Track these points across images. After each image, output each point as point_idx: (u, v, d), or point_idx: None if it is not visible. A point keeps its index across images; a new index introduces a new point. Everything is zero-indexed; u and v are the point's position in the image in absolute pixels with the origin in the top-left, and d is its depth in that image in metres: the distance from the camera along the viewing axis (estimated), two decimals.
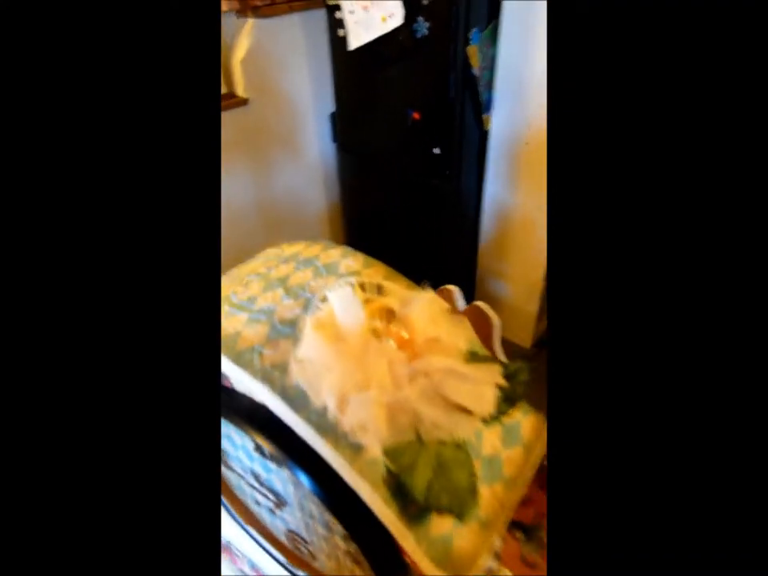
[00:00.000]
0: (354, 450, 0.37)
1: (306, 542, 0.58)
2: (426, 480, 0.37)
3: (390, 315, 0.42)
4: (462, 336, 0.42)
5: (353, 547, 0.45)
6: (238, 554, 0.86)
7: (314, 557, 0.60)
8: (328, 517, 0.44)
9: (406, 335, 0.40)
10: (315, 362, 0.38)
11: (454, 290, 1.29)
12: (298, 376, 0.38)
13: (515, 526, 0.44)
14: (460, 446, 0.39)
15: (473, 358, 0.43)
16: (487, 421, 0.41)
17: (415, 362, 0.39)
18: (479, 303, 1.39)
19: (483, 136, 2.13)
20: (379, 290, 0.45)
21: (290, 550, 0.66)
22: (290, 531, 0.62)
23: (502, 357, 1.05)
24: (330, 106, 2.21)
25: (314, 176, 2.42)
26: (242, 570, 0.89)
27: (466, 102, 2.08)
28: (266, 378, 0.39)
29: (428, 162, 2.21)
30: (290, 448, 0.40)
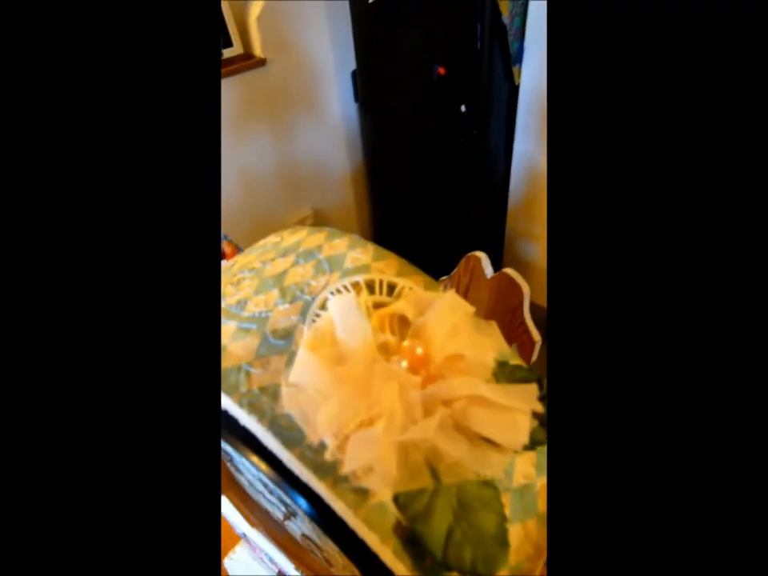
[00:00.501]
0: (358, 495, 0.31)
1: (320, 549, 0.53)
2: (445, 526, 0.31)
3: (402, 325, 0.35)
4: (490, 347, 0.35)
5: None
6: (255, 546, 0.83)
7: (329, 563, 0.55)
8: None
9: (420, 351, 0.33)
10: (310, 388, 0.31)
11: (482, 256, 1.20)
12: (289, 404, 0.32)
13: None
14: (486, 482, 0.33)
15: (502, 372, 0.36)
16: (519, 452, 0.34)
17: (433, 386, 0.32)
18: (508, 270, 1.30)
19: (513, 90, 2.02)
20: (391, 290, 0.38)
21: (306, 553, 0.62)
22: (305, 536, 0.57)
23: (531, 326, 0.95)
24: (351, 63, 2.10)
25: (336, 138, 2.34)
26: (261, 559, 0.86)
27: (494, 54, 1.97)
28: (252, 405, 0.33)
29: (454, 120, 2.11)
30: (288, 480, 0.34)
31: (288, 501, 0.47)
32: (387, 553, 0.31)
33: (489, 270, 1.49)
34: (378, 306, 0.36)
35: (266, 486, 0.50)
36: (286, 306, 0.38)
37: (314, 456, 0.31)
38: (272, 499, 0.52)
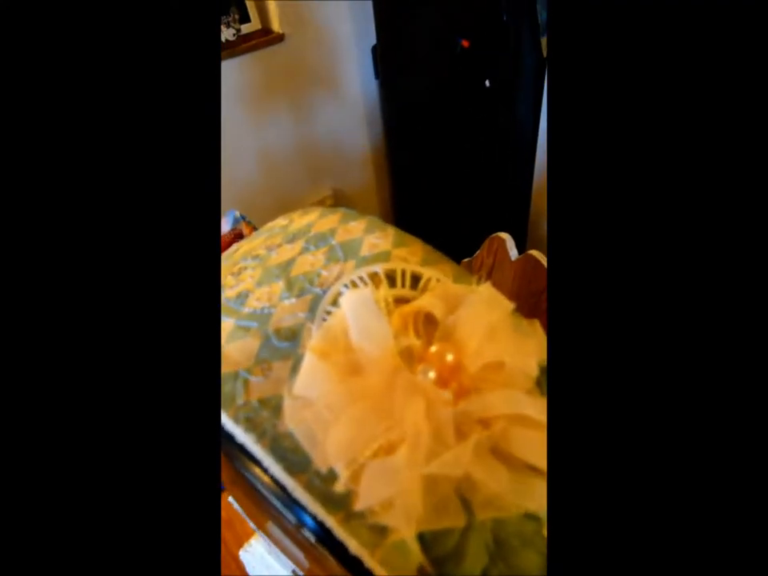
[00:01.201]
0: (376, 532, 0.26)
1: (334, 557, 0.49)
2: (480, 569, 0.26)
3: (429, 324, 0.30)
4: (534, 351, 0.29)
5: None
6: (269, 541, 0.79)
7: (345, 572, 0.50)
8: None
9: (451, 358, 0.27)
10: (318, 403, 0.26)
11: (506, 237, 1.13)
12: (293, 421, 0.26)
13: None
14: (528, 515, 0.27)
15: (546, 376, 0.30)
16: None
17: (466, 402, 0.26)
18: (533, 252, 1.23)
19: (540, 63, 1.94)
20: (415, 282, 0.32)
21: (320, 559, 0.57)
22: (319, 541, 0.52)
23: None
24: (371, 38, 2.03)
25: (356, 116, 2.28)
26: (276, 554, 0.83)
27: (521, 25, 1.88)
28: (251, 421, 0.27)
29: (478, 96, 2.03)
30: (295, 504, 0.29)
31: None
32: None
33: (513, 252, 1.42)
34: (399, 301, 0.31)
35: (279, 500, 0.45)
36: (293, 300, 0.32)
37: (322, 485, 0.26)
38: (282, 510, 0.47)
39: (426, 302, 0.30)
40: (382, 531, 0.26)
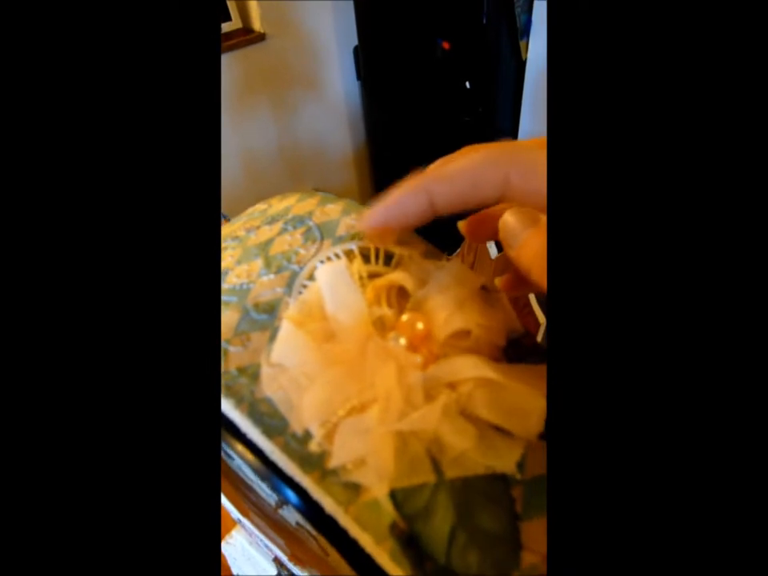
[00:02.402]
0: (350, 490, 0.27)
1: (315, 538, 0.50)
2: (448, 527, 0.27)
3: (401, 297, 0.31)
4: (501, 323, 0.31)
5: None
6: (251, 532, 0.80)
7: (326, 552, 0.51)
8: None
9: (421, 326, 0.28)
10: (294, 369, 0.27)
11: None
12: (270, 387, 0.28)
13: None
14: (496, 476, 0.29)
15: (515, 352, 0.32)
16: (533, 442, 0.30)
17: (435, 366, 0.28)
18: None
19: (520, 66, 1.97)
20: (388, 258, 0.33)
21: (303, 540, 0.58)
22: (299, 524, 0.53)
23: (536, 307, 0.92)
24: (353, 39, 2.04)
25: (338, 116, 2.29)
26: (258, 545, 0.84)
27: (501, 28, 1.91)
28: (230, 388, 0.29)
29: (459, 98, 2.06)
30: (275, 471, 0.30)
31: (279, 488, 0.43)
32: (383, 555, 0.27)
33: (493, 251, 1.45)
34: (373, 276, 0.32)
35: (255, 472, 0.46)
36: (271, 276, 0.33)
37: (299, 447, 0.27)
38: (263, 486, 0.48)
39: (398, 276, 0.31)
40: (355, 489, 0.27)
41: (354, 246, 0.34)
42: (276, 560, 0.73)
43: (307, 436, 0.27)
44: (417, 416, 0.26)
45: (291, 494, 0.31)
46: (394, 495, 0.27)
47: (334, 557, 0.49)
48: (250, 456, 0.31)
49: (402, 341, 0.28)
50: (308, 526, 0.47)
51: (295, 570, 0.61)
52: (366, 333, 0.28)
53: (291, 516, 0.52)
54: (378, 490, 0.27)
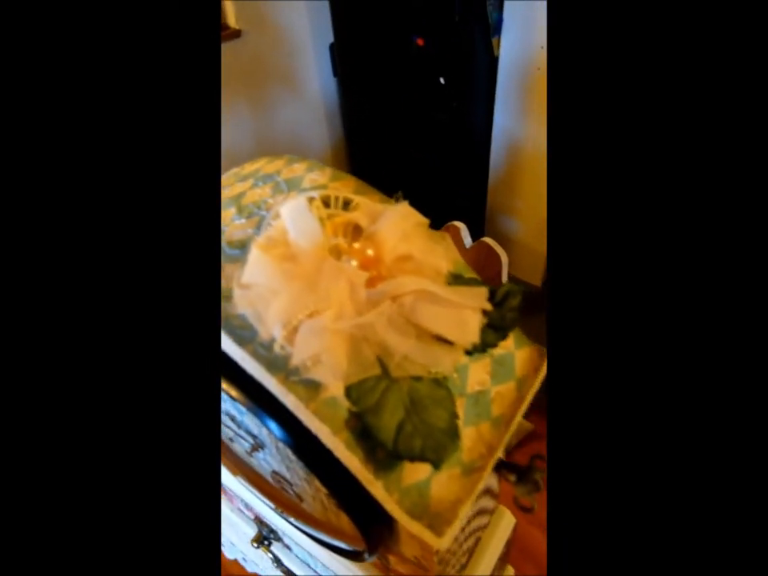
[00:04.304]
0: (310, 388, 0.31)
1: (290, 483, 0.54)
2: (396, 421, 0.32)
3: (356, 234, 0.36)
4: (443, 255, 0.35)
5: None
6: (232, 496, 0.84)
7: (300, 498, 0.56)
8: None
9: (371, 252, 0.33)
10: (261, 287, 0.32)
11: (461, 226, 1.21)
12: (241, 304, 0.32)
13: (507, 467, 0.38)
14: (439, 383, 0.34)
15: (456, 281, 0.36)
16: (471, 352, 0.35)
17: (382, 284, 0.32)
18: (486, 239, 1.31)
19: (492, 62, 2.02)
20: (346, 205, 0.38)
21: (278, 492, 0.62)
22: (275, 472, 0.58)
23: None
24: (329, 36, 2.08)
25: (316, 113, 2.32)
26: (239, 509, 0.87)
27: (473, 25, 1.96)
28: None
29: (434, 93, 2.10)
30: (243, 384, 0.34)
31: (254, 431, 0.48)
32: (339, 445, 0.31)
33: (467, 240, 1.50)
34: (331, 218, 0.37)
35: (233, 419, 0.50)
36: (243, 220, 0.38)
37: (266, 352, 0.32)
38: (240, 432, 0.53)
39: (354, 215, 0.36)
40: (315, 387, 0.31)
41: (315, 194, 0.39)
42: (256, 519, 0.77)
43: (272, 342, 0.32)
44: (365, 318, 0.31)
45: (273, 425, 0.35)
46: (349, 393, 0.32)
47: (308, 499, 0.54)
48: (234, 390, 0.35)
49: (354, 262, 0.33)
50: (282, 469, 0.51)
51: (282, 516, 0.64)
52: (323, 255, 0.33)
53: (267, 465, 0.56)
54: (335, 387, 0.31)
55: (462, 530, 0.50)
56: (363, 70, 2.04)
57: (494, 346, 0.36)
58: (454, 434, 0.33)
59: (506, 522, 0.62)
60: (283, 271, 0.31)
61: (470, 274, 0.39)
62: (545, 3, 1.74)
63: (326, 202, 0.38)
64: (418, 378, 0.33)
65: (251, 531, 0.81)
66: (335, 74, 2.17)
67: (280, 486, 0.60)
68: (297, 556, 0.75)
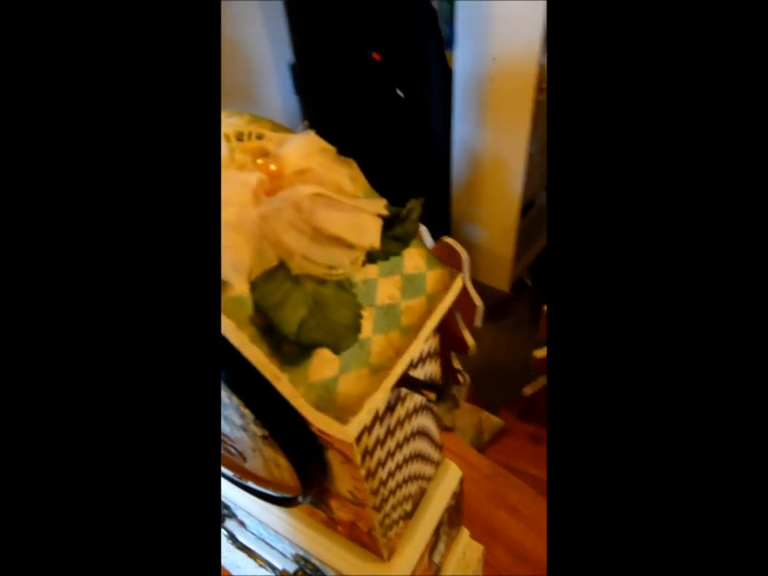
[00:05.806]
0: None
1: (232, 440, 0.55)
2: (300, 317, 0.34)
3: (264, 156, 0.38)
4: (346, 175, 0.38)
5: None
6: None
7: (244, 457, 0.57)
8: (235, 399, 0.41)
9: (274, 168, 0.36)
10: None
11: (422, 228, 1.26)
12: None
13: (426, 387, 0.41)
14: (344, 287, 0.36)
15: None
16: (374, 259, 0.37)
17: (283, 192, 0.35)
18: (447, 239, 1.36)
19: (447, 74, 2.08)
20: (259, 138, 0.41)
21: (225, 457, 0.63)
22: (224, 435, 0.59)
23: (472, 291, 1.01)
24: (289, 55, 2.14)
25: None
26: None
27: (427, 39, 2.02)
28: None
29: (393, 106, 2.15)
30: None
31: None
32: (243, 339, 0.33)
33: (428, 240, 1.53)
34: (241, 145, 0.39)
35: None
36: None
37: None
38: None
39: (263, 142, 0.39)
40: (223, 286, 0.33)
41: (229, 131, 0.41)
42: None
43: None
44: (264, 214, 0.33)
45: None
46: (254, 290, 0.34)
47: (250, 458, 0.55)
48: None
49: (257, 174, 0.35)
50: (225, 429, 0.52)
51: (234, 479, 0.65)
52: (226, 167, 0.35)
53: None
54: (240, 286, 0.33)
55: (399, 467, 0.52)
56: (323, 87, 2.10)
57: (397, 254, 0.38)
58: (356, 329, 0.35)
59: (451, 474, 0.63)
60: None
61: (374, 196, 0.41)
62: (496, 14, 1.82)
63: (240, 138, 0.41)
64: (322, 282, 0.35)
65: None
66: (296, 91, 2.23)
67: (224, 447, 0.61)
68: (252, 532, 0.76)
